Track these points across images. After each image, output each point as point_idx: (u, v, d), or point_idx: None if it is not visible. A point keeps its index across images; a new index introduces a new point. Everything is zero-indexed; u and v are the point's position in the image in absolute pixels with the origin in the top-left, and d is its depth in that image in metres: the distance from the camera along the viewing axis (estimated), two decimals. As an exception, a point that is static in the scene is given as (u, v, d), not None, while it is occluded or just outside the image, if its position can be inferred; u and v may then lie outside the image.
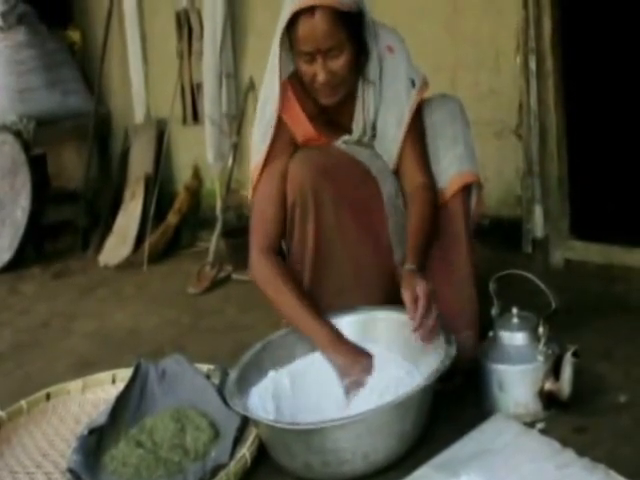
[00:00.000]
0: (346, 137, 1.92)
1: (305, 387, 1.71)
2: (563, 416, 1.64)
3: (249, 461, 1.60)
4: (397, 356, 1.70)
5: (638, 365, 1.84)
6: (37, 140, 3.98)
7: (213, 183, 3.70)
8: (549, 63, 2.60)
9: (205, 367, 1.92)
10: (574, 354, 1.59)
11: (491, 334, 1.74)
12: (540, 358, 1.64)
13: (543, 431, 1.59)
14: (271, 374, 1.75)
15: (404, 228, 1.87)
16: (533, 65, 2.63)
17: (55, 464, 1.74)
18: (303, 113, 1.88)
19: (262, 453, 1.63)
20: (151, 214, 3.62)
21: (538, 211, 2.70)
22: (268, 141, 1.87)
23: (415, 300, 1.62)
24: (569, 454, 1.46)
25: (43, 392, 2.00)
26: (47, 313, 3.01)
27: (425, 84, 1.91)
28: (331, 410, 1.63)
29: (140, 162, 3.99)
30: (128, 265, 3.50)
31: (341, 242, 1.86)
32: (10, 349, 2.66)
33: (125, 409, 1.80)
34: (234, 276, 3.09)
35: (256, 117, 1.94)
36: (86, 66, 4.45)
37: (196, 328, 2.62)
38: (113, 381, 2.03)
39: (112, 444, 1.71)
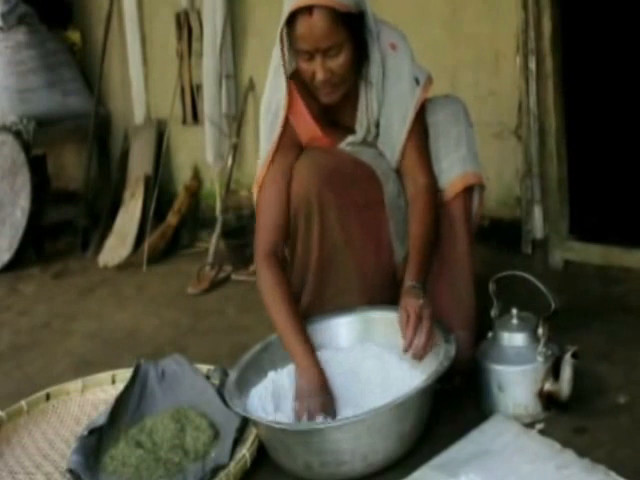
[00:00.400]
0: (350, 139, 1.91)
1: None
2: (563, 417, 1.64)
3: (249, 461, 1.60)
4: (396, 357, 1.70)
5: (638, 366, 1.84)
6: (37, 140, 3.97)
7: (213, 184, 3.70)
8: (549, 64, 2.60)
9: (205, 368, 1.92)
10: (574, 355, 1.59)
11: (491, 335, 1.74)
12: (540, 359, 1.64)
13: (543, 432, 1.59)
14: (271, 375, 1.75)
15: (405, 227, 1.87)
16: (533, 66, 2.63)
17: (55, 464, 1.74)
18: (308, 112, 1.88)
19: (262, 454, 1.63)
20: (151, 214, 3.62)
21: (537, 212, 2.70)
22: (274, 140, 1.87)
23: (407, 320, 1.63)
24: (569, 455, 1.46)
25: (43, 392, 2.00)
26: (47, 313, 3.01)
27: (429, 81, 1.90)
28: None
29: (140, 163, 3.99)
30: (128, 265, 3.50)
31: (345, 246, 1.86)
32: (9, 349, 2.66)
33: (125, 409, 1.81)
34: (234, 277, 3.09)
35: (260, 117, 1.93)
36: (86, 67, 4.45)
37: (196, 329, 2.62)
38: (113, 382, 2.03)
39: (112, 444, 1.71)
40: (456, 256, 1.88)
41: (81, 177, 4.16)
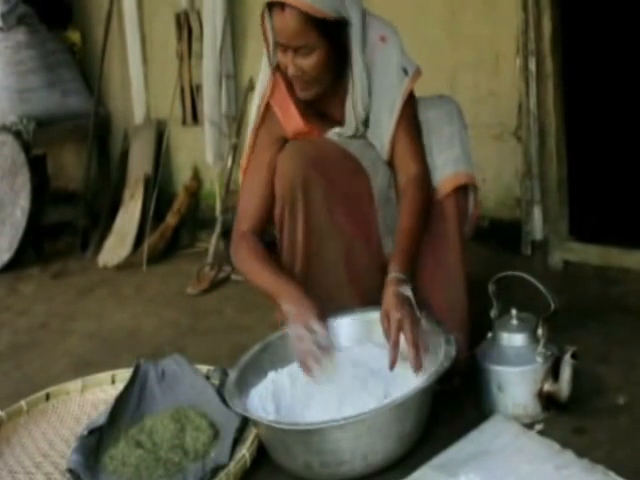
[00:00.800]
0: (337, 130, 1.90)
1: (305, 387, 1.71)
2: (562, 417, 1.64)
3: (249, 461, 1.60)
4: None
5: (637, 366, 1.84)
6: (37, 141, 3.98)
7: (212, 184, 3.70)
8: (549, 65, 2.61)
9: (205, 368, 1.92)
10: (573, 355, 1.59)
11: (490, 335, 1.74)
12: (539, 359, 1.64)
13: (542, 432, 1.60)
14: (271, 375, 1.75)
15: (395, 219, 1.86)
16: (533, 67, 2.63)
17: (55, 464, 1.74)
18: (293, 105, 1.88)
19: (262, 453, 1.63)
20: (150, 215, 3.62)
21: (537, 213, 2.71)
22: (253, 128, 1.90)
23: (388, 329, 1.62)
24: (568, 455, 1.47)
25: (43, 392, 1.99)
26: (46, 313, 3.01)
27: (418, 72, 1.89)
28: (331, 411, 1.63)
29: (139, 163, 3.99)
30: (127, 266, 3.50)
31: (332, 236, 1.85)
32: (9, 349, 2.66)
33: (125, 409, 1.81)
34: (233, 277, 3.09)
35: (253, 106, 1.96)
36: (86, 67, 4.45)
37: (195, 329, 2.62)
38: (113, 382, 2.03)
39: (112, 444, 1.71)
40: (448, 256, 1.87)
41: (81, 177, 4.16)
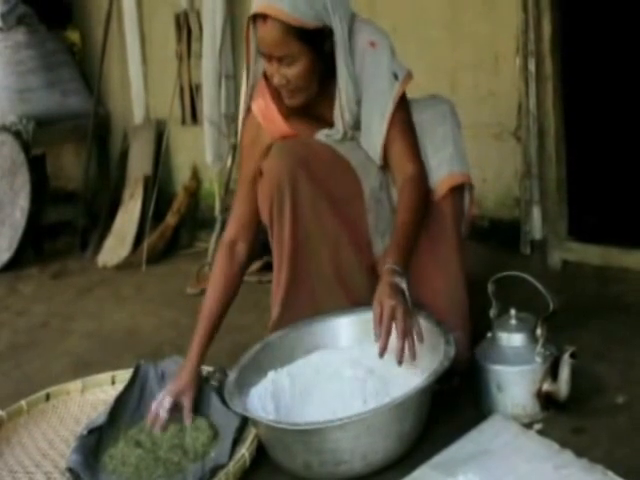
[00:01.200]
0: (326, 131, 1.91)
1: (305, 387, 1.71)
2: (561, 417, 1.64)
3: (248, 461, 1.60)
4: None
5: (635, 366, 1.84)
6: (36, 140, 3.98)
7: (212, 184, 3.70)
8: (548, 66, 2.61)
9: (205, 368, 1.92)
10: (572, 355, 1.59)
11: (489, 335, 1.75)
12: (538, 359, 1.64)
13: (541, 432, 1.60)
14: (270, 375, 1.75)
15: (387, 221, 1.87)
16: (532, 67, 2.63)
17: (54, 464, 1.74)
18: (278, 113, 1.90)
19: (261, 453, 1.63)
20: (150, 215, 3.62)
21: (536, 213, 2.71)
22: (240, 135, 1.96)
23: (380, 318, 1.60)
24: (567, 455, 1.47)
25: (43, 392, 1.99)
26: (45, 313, 3.01)
27: (409, 76, 1.88)
28: (330, 410, 1.63)
29: (139, 163, 4.00)
30: (127, 265, 3.51)
31: (319, 237, 1.86)
32: (8, 349, 2.66)
33: (124, 409, 1.81)
34: (233, 277, 3.09)
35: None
36: (85, 67, 4.46)
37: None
38: (113, 382, 2.03)
39: (111, 444, 1.71)
40: (446, 256, 1.87)
41: (80, 177, 4.16)
